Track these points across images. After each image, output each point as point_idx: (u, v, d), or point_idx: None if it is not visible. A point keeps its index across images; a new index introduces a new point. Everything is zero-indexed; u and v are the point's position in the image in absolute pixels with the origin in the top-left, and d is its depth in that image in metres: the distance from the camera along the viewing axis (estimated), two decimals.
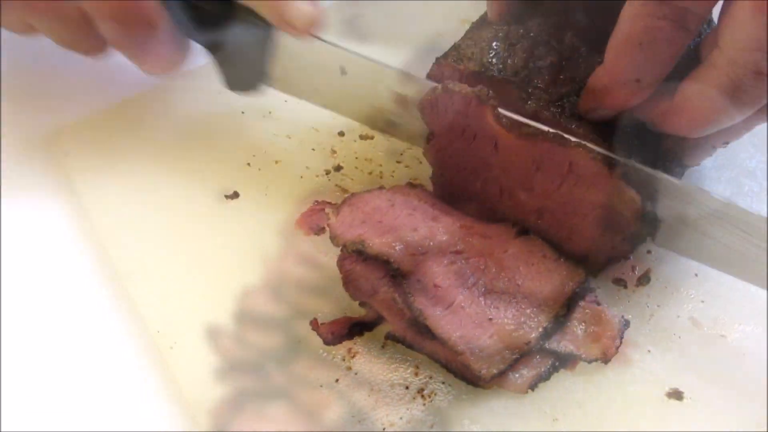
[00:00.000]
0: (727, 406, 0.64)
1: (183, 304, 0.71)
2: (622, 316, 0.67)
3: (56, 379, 0.70)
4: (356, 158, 0.82)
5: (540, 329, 0.63)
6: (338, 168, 0.82)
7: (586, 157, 0.61)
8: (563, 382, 0.65)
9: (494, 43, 0.65)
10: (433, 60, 0.70)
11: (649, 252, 0.73)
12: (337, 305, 0.70)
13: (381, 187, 0.73)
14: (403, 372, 0.66)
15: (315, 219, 0.77)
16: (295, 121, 0.80)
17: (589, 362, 0.65)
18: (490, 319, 0.64)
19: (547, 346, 0.64)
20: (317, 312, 0.69)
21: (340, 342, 0.68)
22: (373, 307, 0.67)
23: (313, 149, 0.83)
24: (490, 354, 0.62)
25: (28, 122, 0.89)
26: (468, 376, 0.64)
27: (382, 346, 0.68)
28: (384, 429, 0.63)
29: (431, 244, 0.66)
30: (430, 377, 0.66)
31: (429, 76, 0.70)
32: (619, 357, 0.66)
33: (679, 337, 0.68)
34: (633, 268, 0.72)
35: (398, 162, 0.82)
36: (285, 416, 0.64)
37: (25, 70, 0.94)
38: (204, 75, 0.89)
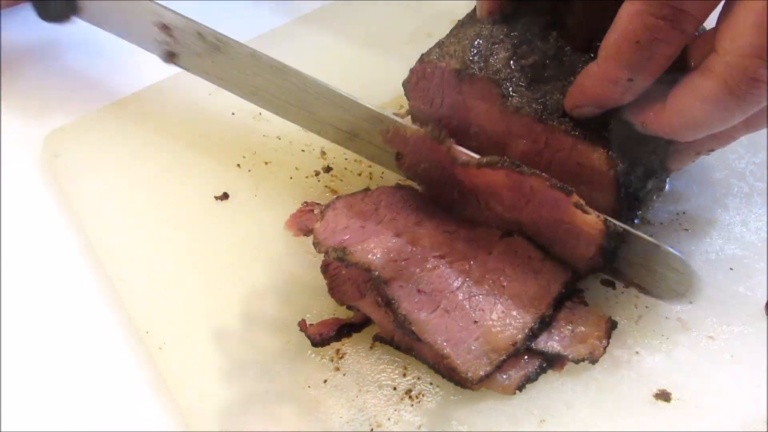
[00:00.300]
0: (715, 407, 0.64)
1: (172, 305, 0.71)
2: (609, 317, 0.67)
3: (47, 379, 0.70)
4: (346, 159, 0.82)
5: (526, 330, 0.63)
6: (328, 169, 0.82)
7: (543, 184, 0.62)
8: (551, 383, 0.65)
9: (477, 41, 0.65)
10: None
11: None
12: (326, 306, 0.70)
13: (366, 189, 0.73)
14: (391, 373, 0.66)
15: (304, 220, 0.77)
16: (285, 122, 0.79)
17: (577, 362, 0.65)
18: (476, 322, 0.64)
19: (534, 346, 0.64)
20: (305, 313, 0.69)
21: (329, 344, 0.68)
22: (360, 310, 0.67)
23: (302, 150, 0.83)
24: (477, 356, 0.62)
25: (18, 125, 0.89)
26: (455, 378, 0.64)
27: (370, 348, 0.68)
28: (372, 430, 0.63)
29: (414, 249, 0.66)
30: (418, 378, 0.66)
31: (412, 72, 0.70)
32: (607, 358, 0.66)
33: (667, 339, 0.68)
34: None
35: None
36: (272, 417, 0.64)
37: (17, 74, 0.94)
38: (194, 76, 0.89)
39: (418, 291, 0.65)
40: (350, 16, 0.96)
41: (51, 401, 0.68)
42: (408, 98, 0.73)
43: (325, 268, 0.67)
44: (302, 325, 0.68)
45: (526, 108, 0.64)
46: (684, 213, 0.76)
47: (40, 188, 0.83)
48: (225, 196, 0.80)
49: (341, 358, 0.67)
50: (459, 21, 0.71)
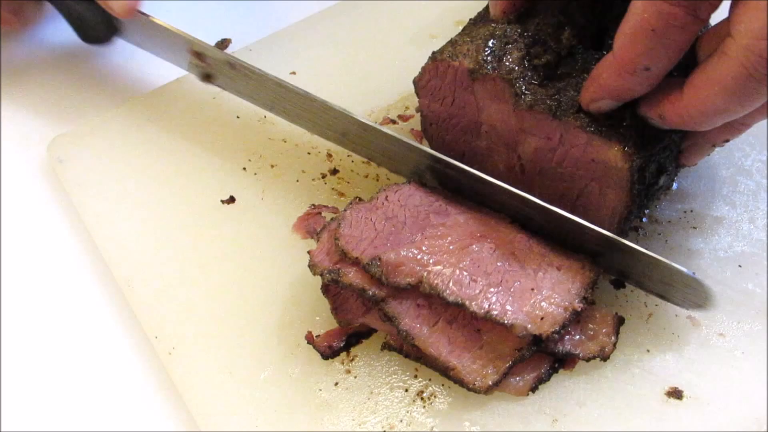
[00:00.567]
0: (727, 404, 0.64)
1: (180, 309, 0.71)
2: (616, 313, 0.67)
3: (56, 383, 0.70)
4: (352, 161, 0.82)
5: (531, 337, 0.62)
6: (334, 171, 0.81)
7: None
8: (563, 382, 0.65)
9: (491, 41, 0.65)
10: (425, 61, 0.70)
11: None
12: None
13: (360, 200, 0.72)
14: (402, 375, 0.66)
15: (311, 223, 0.77)
16: (290, 125, 0.79)
17: (588, 360, 0.65)
18: (478, 330, 0.63)
19: (544, 348, 0.63)
20: (315, 315, 0.69)
21: (338, 354, 0.67)
22: (366, 324, 0.67)
23: (308, 153, 0.83)
24: (483, 365, 0.62)
25: (22, 131, 0.89)
26: (464, 386, 0.63)
27: (381, 350, 0.67)
28: (384, 431, 0.63)
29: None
30: (430, 379, 0.65)
31: (424, 70, 0.70)
32: (618, 356, 0.66)
33: (678, 336, 0.68)
34: None
35: None
36: (283, 420, 0.64)
37: (21, 79, 0.94)
38: (197, 80, 0.89)
39: (417, 305, 0.64)
40: (355, 17, 0.95)
41: (62, 407, 0.68)
42: (418, 96, 0.73)
43: (326, 289, 0.66)
44: (309, 338, 0.68)
45: (541, 105, 0.64)
46: (692, 211, 0.76)
47: (45, 194, 0.83)
48: (231, 199, 0.79)
49: (352, 360, 0.67)
50: (470, 20, 0.71)
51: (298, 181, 0.81)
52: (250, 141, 0.84)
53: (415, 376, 0.66)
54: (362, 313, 0.67)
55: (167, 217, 0.78)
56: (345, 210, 0.70)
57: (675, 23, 0.54)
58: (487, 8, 0.70)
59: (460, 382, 0.62)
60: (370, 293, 0.64)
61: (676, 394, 0.65)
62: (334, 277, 0.64)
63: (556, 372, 0.65)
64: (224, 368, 0.67)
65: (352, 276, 0.64)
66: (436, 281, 0.63)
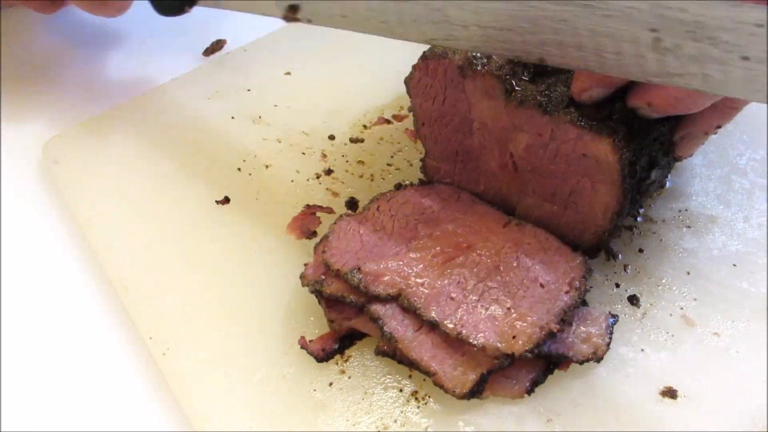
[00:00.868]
0: (722, 403, 0.64)
1: (174, 310, 0.71)
2: (609, 312, 0.67)
3: (50, 384, 0.69)
4: (347, 162, 0.82)
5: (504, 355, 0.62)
6: (329, 171, 0.82)
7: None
8: (558, 381, 0.65)
9: None
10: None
11: (641, 251, 0.73)
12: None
13: (350, 214, 0.73)
14: (396, 375, 0.66)
15: (306, 223, 0.77)
16: (284, 125, 0.79)
17: (582, 363, 0.64)
18: (459, 334, 0.63)
19: (537, 351, 0.63)
20: (309, 315, 0.69)
21: (332, 357, 0.67)
22: (360, 330, 0.68)
23: (303, 153, 0.83)
24: (464, 371, 0.62)
25: (17, 132, 0.89)
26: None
27: (375, 354, 0.67)
28: None
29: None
30: (424, 380, 0.65)
31: (414, 69, 0.70)
32: (613, 356, 0.66)
33: (672, 336, 0.68)
34: (625, 267, 0.72)
35: (389, 165, 0.82)
36: (278, 421, 0.64)
37: (16, 81, 0.94)
38: (193, 80, 0.89)
39: (403, 309, 0.65)
40: None
41: (56, 408, 0.68)
42: (410, 95, 0.73)
43: (319, 301, 0.68)
44: (302, 343, 0.68)
45: (531, 101, 0.64)
46: (686, 210, 0.76)
47: (40, 195, 0.83)
48: (226, 200, 0.79)
49: (346, 361, 0.67)
50: None
51: (292, 181, 0.81)
52: (244, 141, 0.84)
53: (410, 377, 0.66)
54: (353, 317, 0.67)
55: (162, 217, 0.78)
56: (335, 222, 0.70)
57: None
58: None
59: (441, 388, 0.62)
60: (349, 300, 0.65)
61: (670, 393, 0.64)
62: (317, 288, 0.66)
63: (551, 373, 0.65)
64: (218, 369, 0.67)
65: (333, 287, 0.66)
66: (413, 298, 0.64)
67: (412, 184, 0.75)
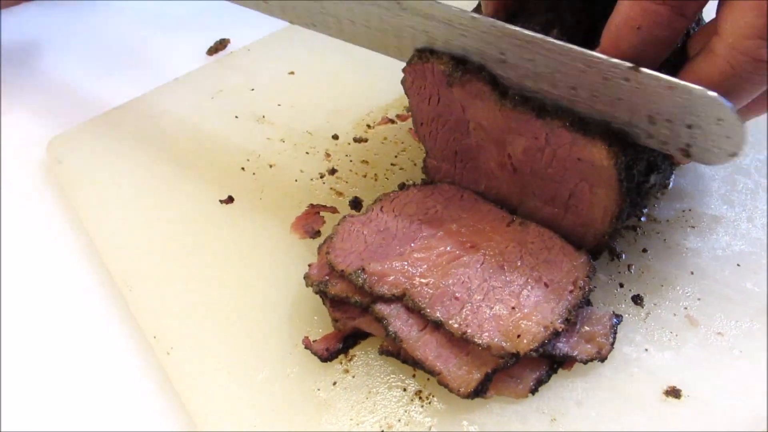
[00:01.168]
0: (726, 403, 0.64)
1: (178, 309, 0.71)
2: (613, 312, 0.67)
3: (54, 383, 0.70)
4: (350, 161, 0.82)
5: (509, 354, 0.62)
6: (333, 171, 0.82)
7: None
8: (561, 381, 0.65)
9: None
10: None
11: (645, 251, 0.73)
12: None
13: (353, 215, 0.73)
14: (400, 374, 0.66)
15: (310, 222, 0.77)
16: (288, 124, 0.79)
17: (585, 363, 0.64)
18: (464, 334, 0.63)
19: (542, 350, 0.63)
20: (314, 314, 0.69)
21: (336, 357, 0.67)
22: (365, 329, 0.68)
23: (307, 153, 0.83)
24: (468, 371, 0.62)
25: (20, 131, 0.89)
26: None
27: (379, 354, 0.67)
28: (383, 431, 0.63)
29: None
30: (428, 379, 0.65)
31: (404, 73, 0.70)
32: (617, 355, 0.66)
33: (676, 335, 0.68)
34: (629, 267, 0.72)
35: (392, 164, 0.82)
36: (281, 420, 0.64)
37: (19, 80, 0.94)
38: (196, 80, 0.89)
39: (407, 309, 0.65)
40: None
41: (59, 407, 0.68)
42: (407, 96, 0.72)
43: (324, 301, 0.68)
44: (306, 343, 0.68)
45: (524, 105, 0.63)
46: (690, 210, 0.76)
47: (44, 194, 0.83)
48: (230, 199, 0.79)
49: (350, 360, 0.67)
50: None
51: (296, 180, 0.81)
52: (248, 141, 0.84)
53: (413, 376, 0.66)
54: (357, 317, 0.67)
55: (166, 217, 0.78)
56: (338, 224, 0.70)
57: (660, 21, 0.54)
58: (478, 7, 0.70)
59: (446, 387, 0.62)
60: (354, 300, 0.65)
61: (674, 393, 0.64)
62: (322, 288, 0.66)
63: (555, 372, 0.65)
64: (222, 368, 0.67)
65: (338, 287, 0.66)
66: (418, 298, 0.64)
67: (415, 184, 0.75)
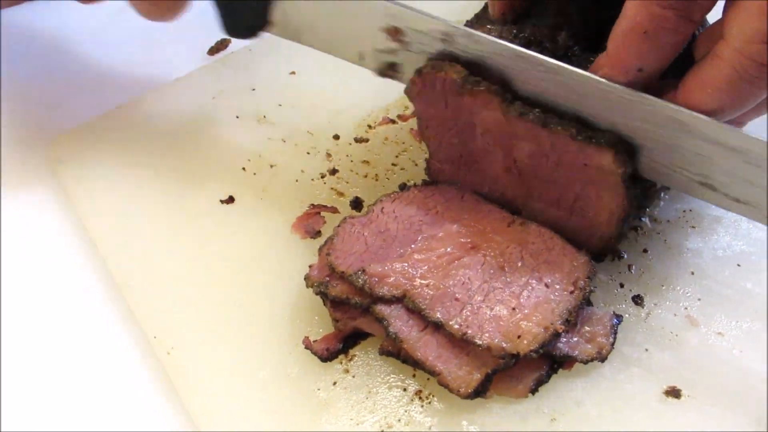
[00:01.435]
0: (726, 403, 0.64)
1: (179, 309, 0.71)
2: (613, 312, 0.67)
3: (55, 383, 0.70)
4: (351, 161, 0.82)
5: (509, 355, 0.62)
6: (334, 171, 0.82)
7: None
8: (561, 381, 0.65)
9: None
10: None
11: (645, 251, 0.73)
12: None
13: (353, 216, 0.72)
14: (400, 374, 0.66)
15: (311, 223, 0.77)
16: (289, 125, 0.79)
17: (586, 363, 0.64)
18: (464, 335, 0.63)
19: (542, 350, 0.63)
20: (314, 314, 0.69)
21: (336, 357, 0.67)
22: (365, 329, 0.68)
23: (308, 153, 0.83)
24: (469, 371, 0.62)
25: (22, 131, 0.89)
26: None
27: (380, 354, 0.67)
28: (383, 431, 0.63)
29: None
30: (428, 379, 0.65)
31: (411, 83, 0.69)
32: (617, 355, 0.66)
33: (676, 335, 0.68)
34: (630, 267, 0.72)
35: (393, 165, 0.82)
36: (282, 420, 0.64)
37: (20, 80, 0.94)
38: (197, 80, 0.89)
39: (408, 309, 0.65)
40: None
41: (61, 407, 0.68)
42: (412, 102, 0.72)
43: (324, 301, 0.68)
44: (307, 343, 0.68)
45: (530, 114, 0.63)
46: (691, 210, 0.76)
47: (45, 194, 0.83)
48: (231, 199, 0.79)
49: (350, 360, 0.67)
50: (467, 21, 0.71)
51: (297, 181, 0.81)
52: (249, 141, 0.84)
53: (414, 376, 0.66)
54: (357, 317, 0.67)
55: (167, 216, 0.78)
56: (339, 225, 0.70)
57: (667, 25, 0.54)
58: (485, 8, 0.70)
59: (446, 387, 0.63)
60: (354, 301, 0.65)
61: (674, 393, 0.64)
62: (322, 289, 0.66)
63: (555, 372, 0.65)
64: (223, 368, 0.67)
65: (338, 289, 0.66)
66: (418, 299, 0.64)
67: (416, 185, 0.75)
